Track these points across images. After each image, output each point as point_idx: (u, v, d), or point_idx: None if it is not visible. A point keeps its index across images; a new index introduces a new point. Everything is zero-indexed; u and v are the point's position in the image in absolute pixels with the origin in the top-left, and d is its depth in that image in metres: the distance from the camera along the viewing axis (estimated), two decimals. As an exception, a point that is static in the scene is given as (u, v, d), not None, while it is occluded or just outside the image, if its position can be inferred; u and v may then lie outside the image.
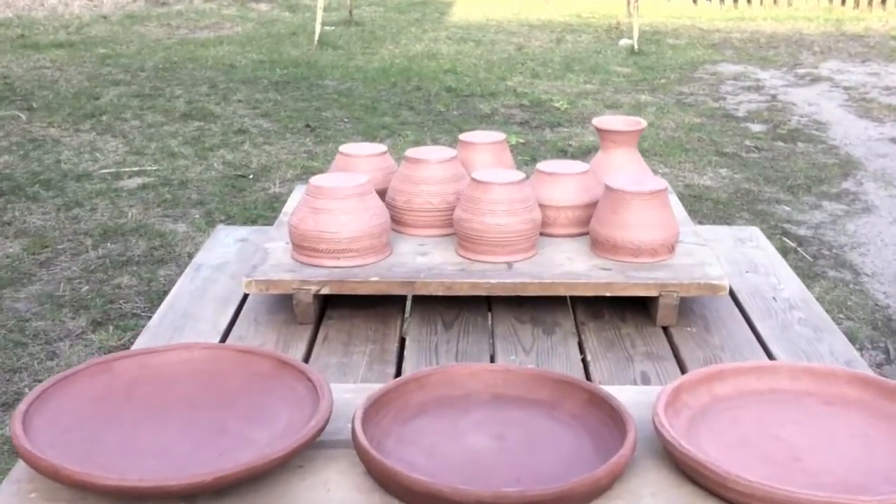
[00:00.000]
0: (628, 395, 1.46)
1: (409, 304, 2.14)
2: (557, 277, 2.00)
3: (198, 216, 4.84)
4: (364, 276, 2.01)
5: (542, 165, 2.26)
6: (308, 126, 6.21)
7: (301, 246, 2.06)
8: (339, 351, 1.93)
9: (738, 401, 1.46)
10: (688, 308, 2.07)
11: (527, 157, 5.64)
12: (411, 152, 2.25)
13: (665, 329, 2.02)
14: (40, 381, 3.55)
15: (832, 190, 5.45)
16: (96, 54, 8.32)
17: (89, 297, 3.99)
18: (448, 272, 2.03)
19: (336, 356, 1.91)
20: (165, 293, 4.18)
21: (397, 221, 2.24)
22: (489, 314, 2.10)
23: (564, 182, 2.20)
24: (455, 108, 6.75)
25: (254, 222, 4.76)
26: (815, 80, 7.86)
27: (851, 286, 4.31)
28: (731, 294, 2.16)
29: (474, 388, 1.48)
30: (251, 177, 5.38)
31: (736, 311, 2.10)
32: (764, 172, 5.66)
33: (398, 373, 1.85)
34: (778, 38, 9.92)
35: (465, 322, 2.06)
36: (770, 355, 1.92)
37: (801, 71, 8.16)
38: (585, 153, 5.78)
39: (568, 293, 2.02)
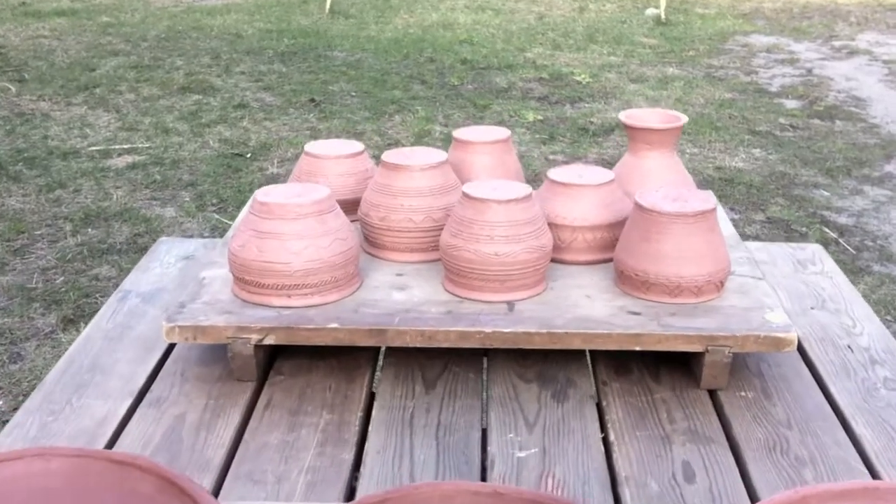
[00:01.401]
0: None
1: (382, 351, 1.64)
2: (572, 325, 1.49)
3: (188, 199, 4.35)
4: (321, 321, 1.50)
5: (554, 173, 1.74)
6: (313, 100, 5.69)
7: (243, 280, 1.55)
8: (283, 423, 1.43)
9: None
10: (740, 363, 1.56)
11: (545, 135, 5.09)
12: (390, 156, 1.73)
13: (712, 393, 1.51)
14: (0, 389, 3.10)
15: (874, 173, 4.89)
16: (98, 23, 7.79)
17: (63, 290, 3.52)
18: (431, 316, 1.52)
19: (278, 431, 1.40)
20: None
21: (372, 242, 1.73)
22: (484, 367, 1.60)
23: (582, 195, 1.68)
24: (470, 82, 6.20)
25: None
26: (853, 52, 7.24)
27: (901, 283, 3.78)
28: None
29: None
30: (248, 156, 4.88)
31: (802, 366, 1.58)
32: (800, 153, 5.10)
33: (356, 462, 1.35)
34: (812, 7, 9.25)
35: (453, 379, 1.55)
36: (853, 438, 1.40)
37: (837, 43, 7.53)
38: (608, 131, 5.24)
39: (585, 346, 1.51)
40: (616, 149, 4.99)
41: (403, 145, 5.03)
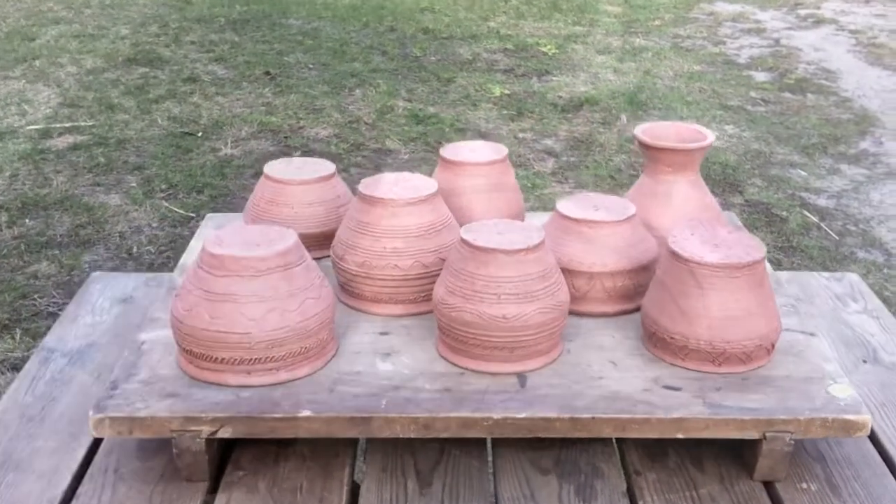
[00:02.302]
0: None
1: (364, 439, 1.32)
2: (599, 407, 1.18)
3: (134, 185, 3.96)
4: (290, 406, 1.18)
5: (565, 206, 1.42)
6: (268, 73, 5.28)
7: (191, 352, 1.23)
8: (245, 541, 1.12)
9: None
10: (798, 446, 1.27)
11: (512, 111, 4.76)
12: (369, 186, 1.40)
13: (767, 485, 1.22)
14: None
15: (850, 150, 4.65)
16: (40, -14, 7.26)
17: (-3, 289, 3.15)
18: (425, 396, 1.20)
19: (239, 554, 1.10)
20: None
21: (348, 291, 1.41)
22: (489, 456, 1.29)
23: (600, 234, 1.37)
24: (433, 53, 5.82)
25: (199, 192, 3.91)
26: (819, 21, 6.97)
27: (886, 271, 3.54)
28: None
29: None
30: (200, 135, 4.48)
31: (869, 445, 1.30)
32: (773, 129, 4.84)
33: None
34: (771, -28, 8.96)
35: (453, 469, 1.24)
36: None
37: (802, 12, 7.25)
38: (577, 107, 4.92)
39: (617, 434, 1.21)
40: (587, 125, 4.69)
41: (365, 122, 4.68)
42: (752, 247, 1.27)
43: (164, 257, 3.38)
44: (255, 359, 1.20)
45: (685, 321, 1.24)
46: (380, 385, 1.22)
